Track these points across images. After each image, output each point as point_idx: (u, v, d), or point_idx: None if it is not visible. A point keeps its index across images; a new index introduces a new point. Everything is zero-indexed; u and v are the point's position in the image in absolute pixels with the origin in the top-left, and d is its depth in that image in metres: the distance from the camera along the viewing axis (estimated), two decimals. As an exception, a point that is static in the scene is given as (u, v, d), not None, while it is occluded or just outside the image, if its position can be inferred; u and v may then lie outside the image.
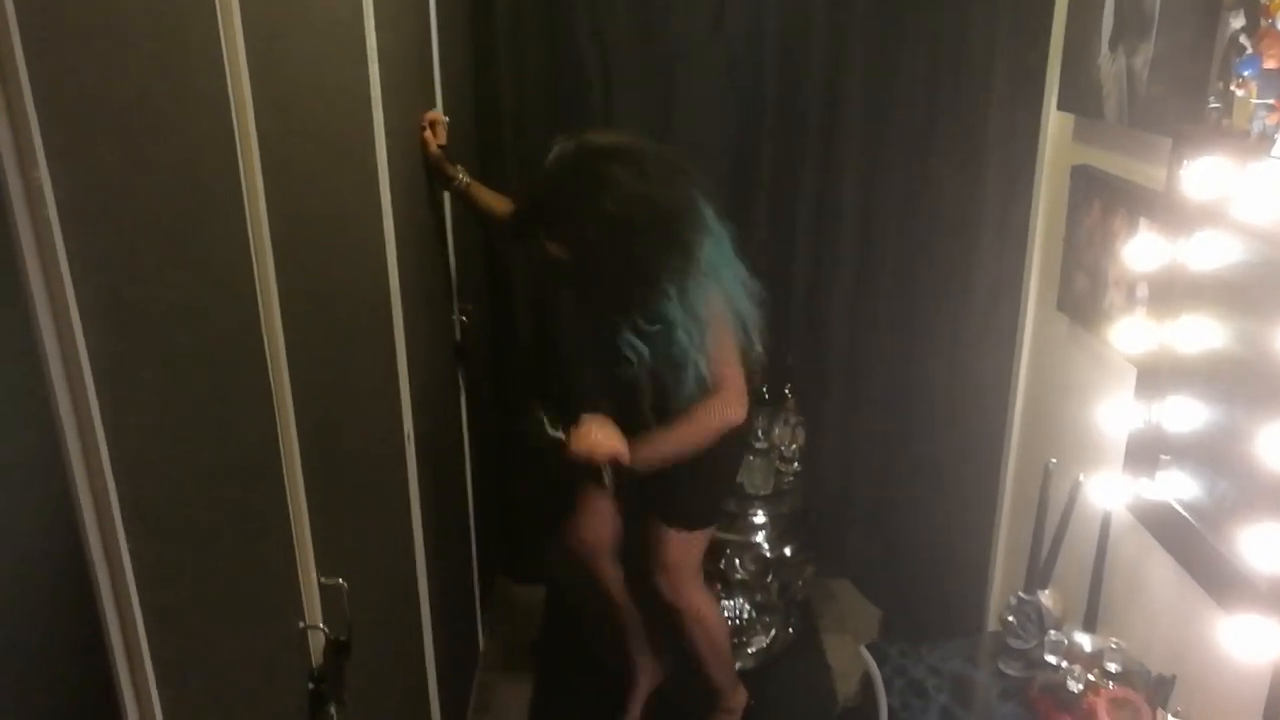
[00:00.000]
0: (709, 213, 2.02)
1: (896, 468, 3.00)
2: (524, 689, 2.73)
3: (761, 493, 2.81)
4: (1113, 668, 1.75)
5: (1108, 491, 1.81)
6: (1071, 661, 1.80)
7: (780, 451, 2.87)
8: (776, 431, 2.86)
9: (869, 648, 2.00)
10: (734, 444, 2.18)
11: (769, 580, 2.81)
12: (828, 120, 2.83)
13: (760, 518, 2.81)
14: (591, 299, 2.12)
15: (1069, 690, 1.76)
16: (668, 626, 2.36)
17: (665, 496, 2.22)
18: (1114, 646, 1.77)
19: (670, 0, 2.74)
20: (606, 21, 2.76)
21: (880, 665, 1.94)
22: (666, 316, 1.96)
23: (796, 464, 2.90)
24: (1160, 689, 1.68)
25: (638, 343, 2.00)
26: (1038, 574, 1.93)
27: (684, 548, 2.24)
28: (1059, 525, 1.91)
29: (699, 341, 1.96)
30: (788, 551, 2.83)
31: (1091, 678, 1.75)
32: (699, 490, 2.24)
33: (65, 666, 0.74)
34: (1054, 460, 1.96)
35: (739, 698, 2.48)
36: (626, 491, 2.24)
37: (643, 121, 2.84)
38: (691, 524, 2.24)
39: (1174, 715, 1.61)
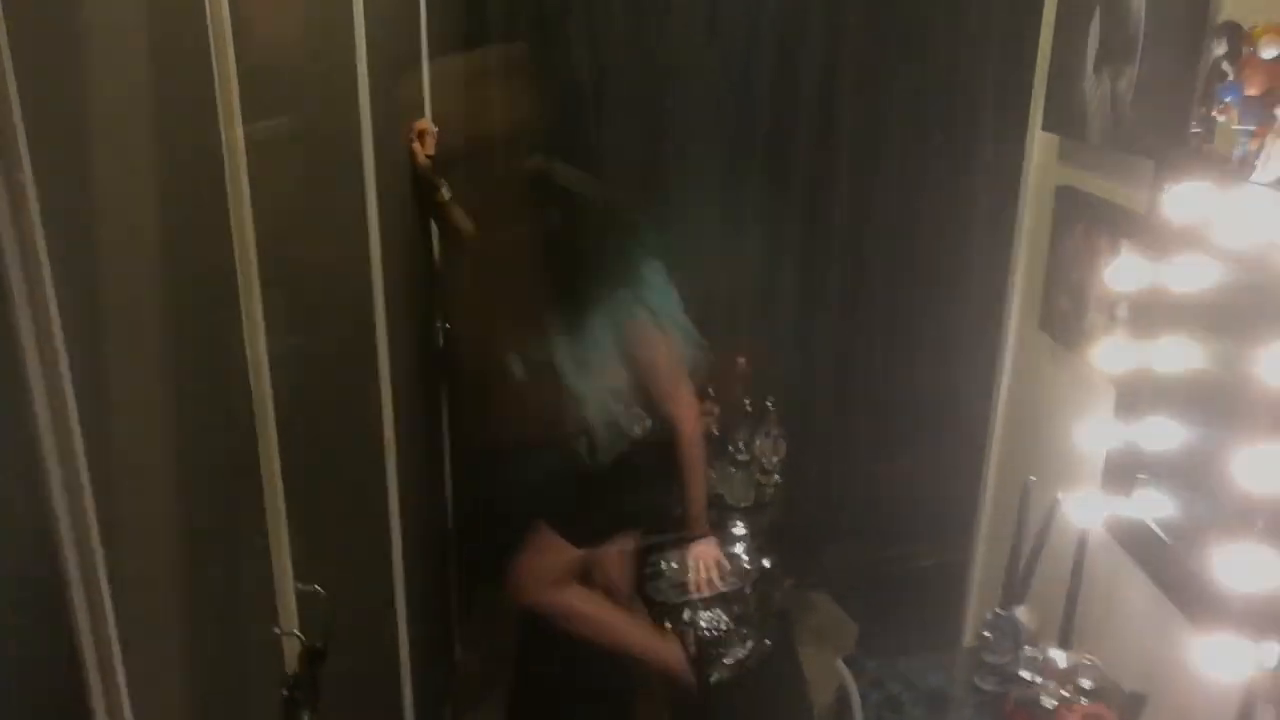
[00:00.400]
0: (650, 269, 2.16)
1: (878, 482, 3.01)
2: (501, 699, 2.72)
3: (741, 504, 2.81)
4: (1086, 684, 1.76)
5: (1085, 509, 1.82)
6: (1046, 678, 1.81)
7: (761, 464, 2.87)
8: (758, 444, 2.87)
9: (846, 660, 2.00)
10: (635, 480, 2.25)
11: (747, 592, 2.81)
12: (818, 134, 2.84)
13: (740, 529, 2.81)
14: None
15: (1042, 706, 1.77)
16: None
17: (555, 499, 2.28)
18: (1088, 663, 1.78)
19: (668, 4, 2.75)
20: (603, 28, 2.77)
21: (856, 678, 1.94)
22: (552, 350, 2.11)
23: (777, 476, 2.90)
24: (1132, 706, 1.69)
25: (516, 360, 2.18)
26: (1015, 590, 1.94)
27: (545, 553, 2.26)
28: (1036, 542, 1.92)
29: (587, 384, 2.12)
30: (767, 563, 2.84)
31: (1065, 694, 1.76)
32: (586, 504, 2.30)
33: (37, 672, 0.73)
34: (1033, 478, 1.97)
35: (670, 650, 2.45)
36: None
37: (641, 123, 2.84)
38: (565, 530, 2.26)
39: (1147, 733, 1.63)
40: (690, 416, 2.18)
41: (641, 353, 2.12)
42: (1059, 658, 1.84)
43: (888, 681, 1.94)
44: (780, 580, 2.90)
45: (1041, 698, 1.77)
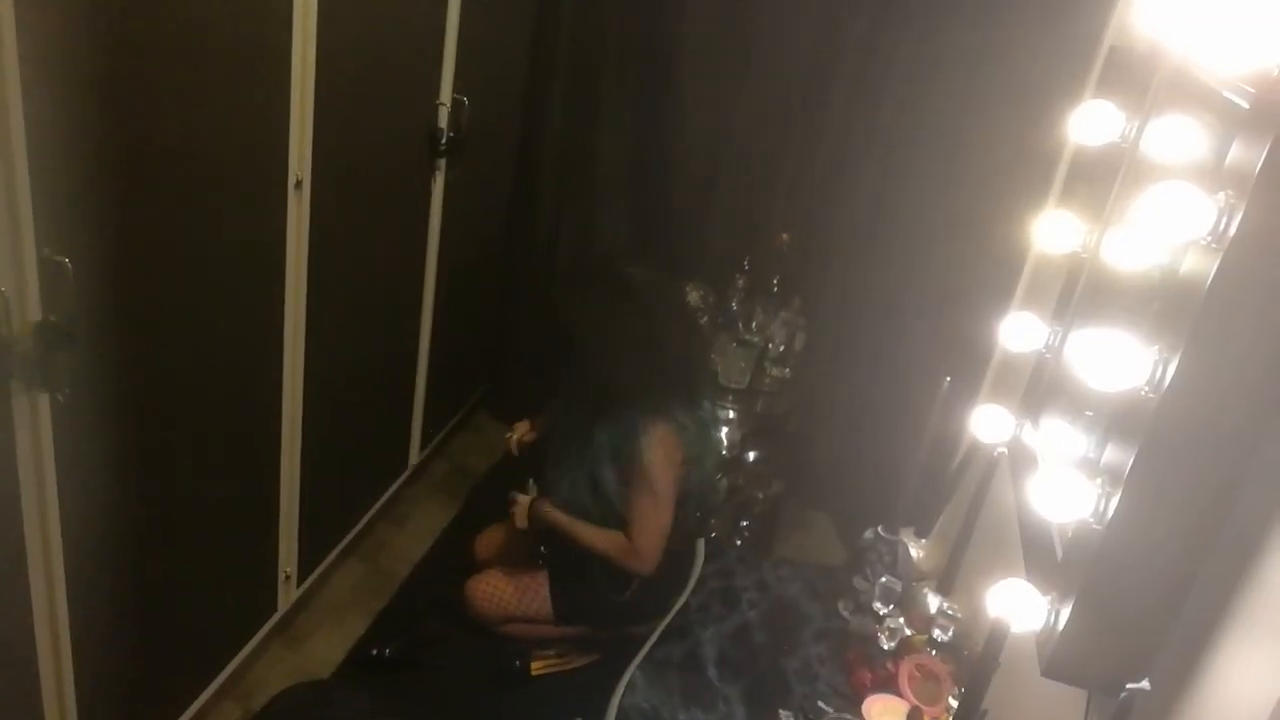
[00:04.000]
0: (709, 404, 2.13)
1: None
2: (448, 512, 2.68)
3: (733, 385, 2.56)
4: (940, 636, 1.46)
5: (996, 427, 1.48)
6: (908, 619, 1.52)
7: (769, 350, 2.60)
8: (771, 328, 2.59)
9: (707, 540, 1.78)
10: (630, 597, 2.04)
11: (719, 478, 2.58)
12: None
13: (728, 413, 2.57)
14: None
15: (879, 646, 1.48)
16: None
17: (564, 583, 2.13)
18: (949, 613, 1.47)
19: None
20: None
21: (710, 560, 1.72)
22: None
23: (788, 370, 2.62)
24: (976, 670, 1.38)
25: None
26: (909, 512, 1.63)
27: (524, 596, 2.13)
28: (956, 468, 1.60)
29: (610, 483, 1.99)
30: (751, 456, 2.59)
31: (910, 633, 1.47)
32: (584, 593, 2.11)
33: None
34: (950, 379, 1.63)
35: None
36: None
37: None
38: (562, 608, 2.12)
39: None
40: (643, 551, 1.90)
41: (649, 454, 1.91)
42: (932, 601, 1.54)
43: (741, 574, 1.70)
44: (766, 480, 2.64)
45: (879, 637, 1.48)
